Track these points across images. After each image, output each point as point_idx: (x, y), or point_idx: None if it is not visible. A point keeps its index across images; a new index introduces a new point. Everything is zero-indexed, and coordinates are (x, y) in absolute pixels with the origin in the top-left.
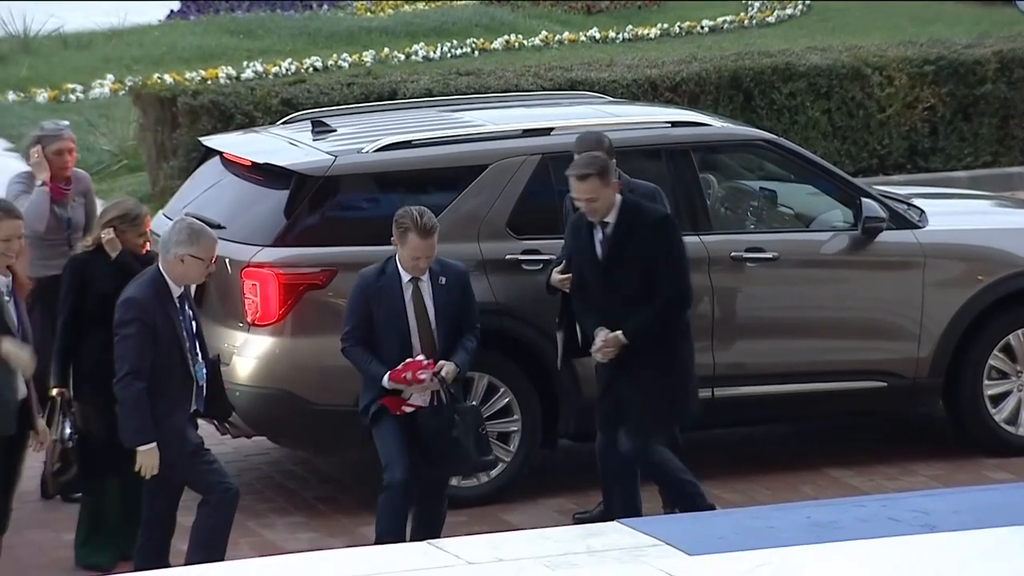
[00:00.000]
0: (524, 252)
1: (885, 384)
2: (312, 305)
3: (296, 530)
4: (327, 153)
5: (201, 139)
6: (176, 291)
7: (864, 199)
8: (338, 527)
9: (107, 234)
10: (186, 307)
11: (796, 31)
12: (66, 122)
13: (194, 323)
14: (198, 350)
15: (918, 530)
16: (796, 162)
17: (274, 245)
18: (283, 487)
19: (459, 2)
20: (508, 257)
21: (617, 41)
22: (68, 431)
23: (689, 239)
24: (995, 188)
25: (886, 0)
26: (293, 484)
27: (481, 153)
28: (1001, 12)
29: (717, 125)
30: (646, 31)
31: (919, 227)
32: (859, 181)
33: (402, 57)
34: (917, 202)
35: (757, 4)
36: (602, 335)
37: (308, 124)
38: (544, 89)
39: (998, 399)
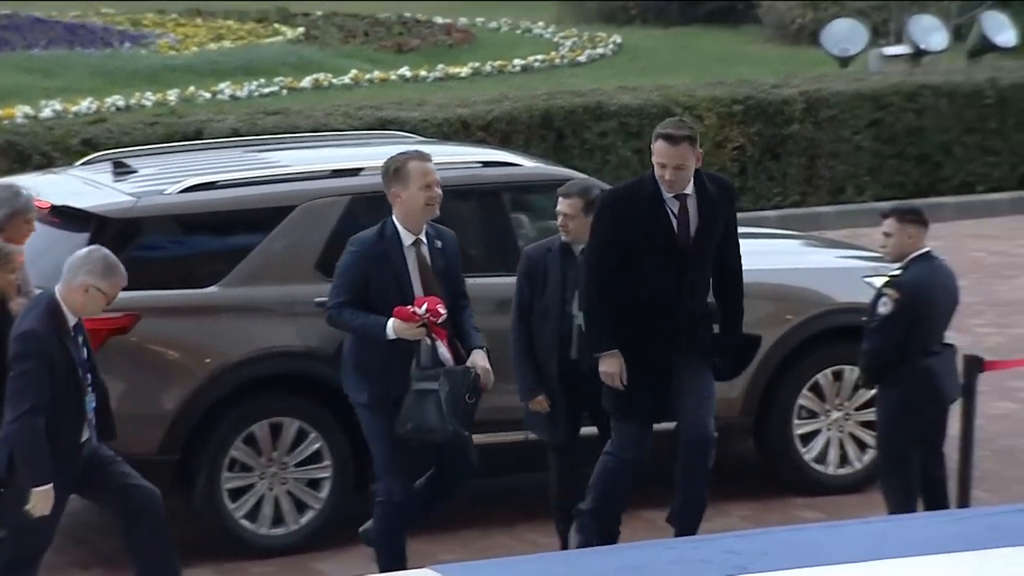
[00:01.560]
0: None
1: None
2: (115, 351)
3: None
4: (128, 195)
5: None
6: (71, 319)
7: None
8: None
9: None
10: (79, 337)
11: (606, 71)
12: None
13: (86, 350)
14: (89, 380)
15: (729, 571)
16: None
17: None
18: (83, 539)
19: (266, 40)
20: (318, 300)
21: (428, 80)
22: None
23: (502, 280)
24: (803, 227)
25: (693, 41)
26: (93, 536)
27: (289, 194)
28: (806, 53)
29: (528, 165)
30: (457, 70)
31: None
32: None
33: (208, 96)
34: None
35: (568, 43)
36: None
37: (109, 165)
38: (354, 129)
39: (808, 438)
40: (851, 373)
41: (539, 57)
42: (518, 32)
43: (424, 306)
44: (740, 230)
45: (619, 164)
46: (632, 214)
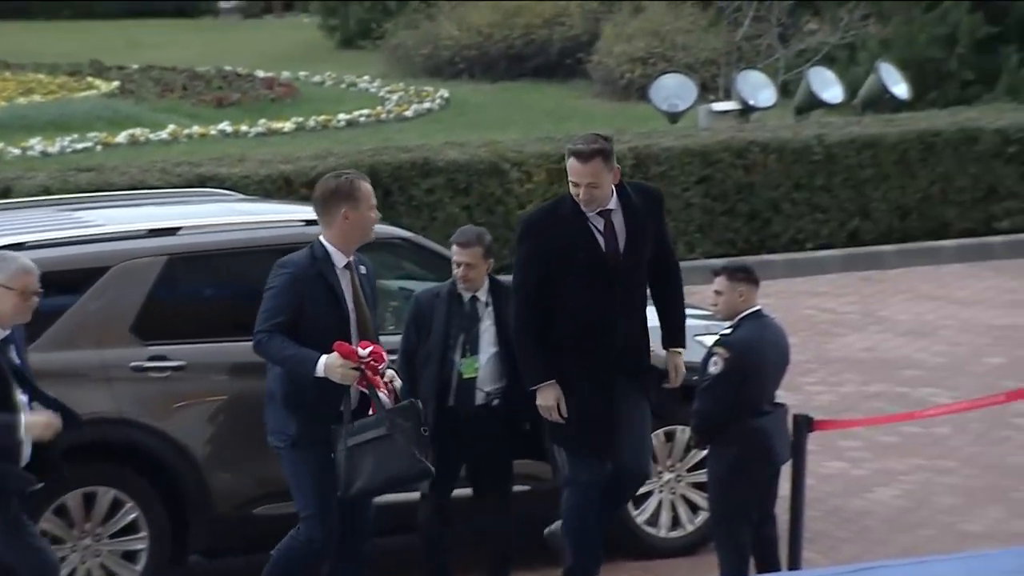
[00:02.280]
0: (151, 358)
1: (528, 487)
2: None
3: None
4: None
5: None
6: (1, 333)
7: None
8: None
9: None
10: (10, 352)
11: (434, 126)
12: None
13: (20, 372)
14: (25, 399)
15: None
16: (437, 261)
17: None
18: None
19: (79, 94)
20: (133, 364)
21: (250, 135)
22: None
23: None
24: None
25: (522, 95)
26: None
27: (102, 255)
28: (635, 108)
29: None
30: (280, 125)
31: None
32: (502, 279)
33: (17, 152)
34: None
35: (394, 98)
36: (678, 363)
37: None
38: (172, 186)
39: (639, 500)
40: (682, 433)
41: (365, 112)
42: (343, 86)
43: (369, 349)
44: None
45: (447, 221)
46: (555, 236)
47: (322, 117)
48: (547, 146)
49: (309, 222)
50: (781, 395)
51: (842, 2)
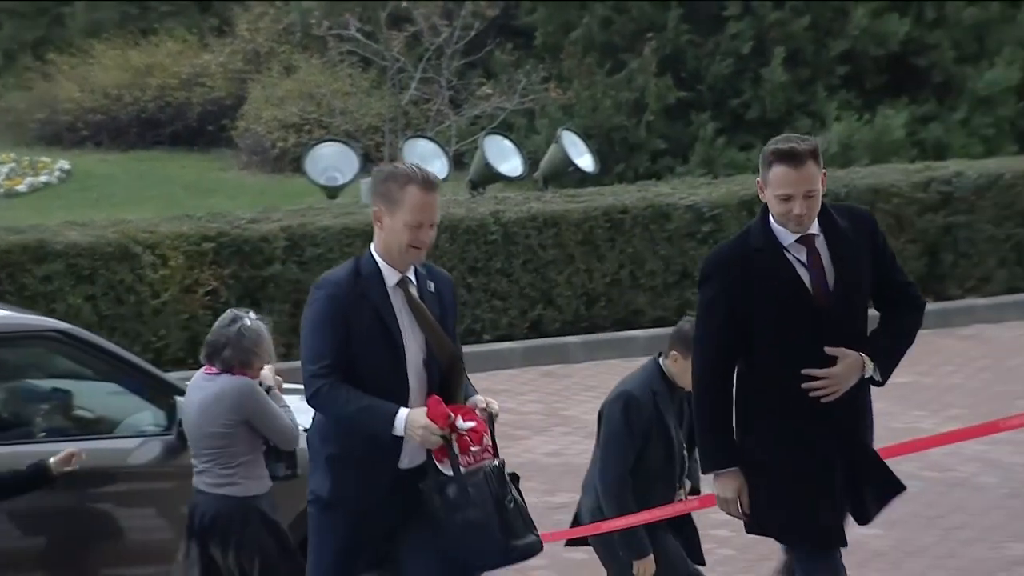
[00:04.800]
0: None
1: None
2: None
3: None
4: None
5: None
6: None
7: (180, 399)
8: None
9: None
10: None
11: (52, 202)
12: None
13: None
14: None
15: None
16: (95, 356)
17: None
18: None
19: None
20: None
21: None
22: None
23: None
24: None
25: (157, 166)
26: None
27: None
28: (289, 182)
29: (2, 313)
30: None
31: None
32: (173, 377)
33: None
34: None
35: (3, 170)
36: (826, 372)
37: None
38: None
39: None
40: None
41: None
42: None
43: (471, 424)
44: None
45: (68, 313)
46: (746, 273)
47: None
48: (185, 226)
49: None
50: None
51: (518, 65)
